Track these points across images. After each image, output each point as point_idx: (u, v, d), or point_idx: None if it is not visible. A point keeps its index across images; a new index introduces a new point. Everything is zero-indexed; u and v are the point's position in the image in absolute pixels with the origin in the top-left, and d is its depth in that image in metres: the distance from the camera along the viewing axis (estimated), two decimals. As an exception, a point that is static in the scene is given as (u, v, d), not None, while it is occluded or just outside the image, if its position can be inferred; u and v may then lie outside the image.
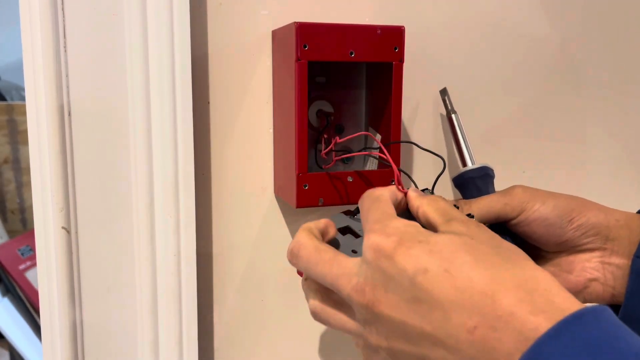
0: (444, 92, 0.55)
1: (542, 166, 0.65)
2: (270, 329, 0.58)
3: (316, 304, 0.38)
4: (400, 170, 0.43)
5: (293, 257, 0.38)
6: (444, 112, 0.56)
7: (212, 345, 0.56)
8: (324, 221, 0.42)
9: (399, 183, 0.41)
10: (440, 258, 0.31)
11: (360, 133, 0.53)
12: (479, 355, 0.28)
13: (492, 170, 0.51)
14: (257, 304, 0.57)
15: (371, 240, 0.33)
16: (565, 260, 0.46)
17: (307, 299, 0.39)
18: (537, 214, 0.45)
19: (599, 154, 0.68)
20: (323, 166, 0.50)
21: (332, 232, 0.41)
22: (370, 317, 0.33)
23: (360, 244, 0.39)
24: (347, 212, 0.47)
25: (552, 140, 0.65)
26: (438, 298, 0.29)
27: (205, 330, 0.56)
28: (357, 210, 0.47)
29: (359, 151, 0.53)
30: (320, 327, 0.60)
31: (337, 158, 0.50)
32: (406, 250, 0.32)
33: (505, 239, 0.41)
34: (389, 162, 0.44)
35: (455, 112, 0.54)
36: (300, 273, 0.43)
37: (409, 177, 0.46)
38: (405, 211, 0.42)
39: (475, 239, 0.32)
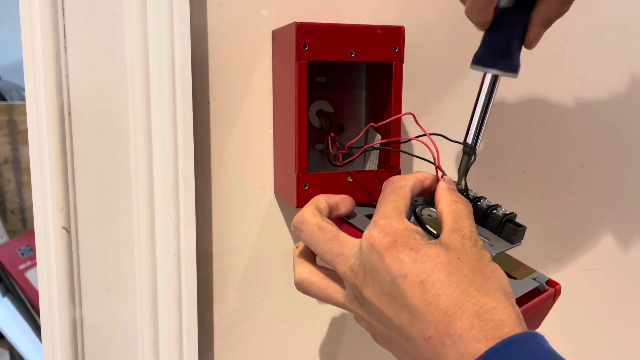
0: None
1: (542, 166, 0.65)
2: (270, 329, 0.58)
3: (304, 277, 0.42)
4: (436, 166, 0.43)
5: (296, 231, 0.41)
6: (444, 110, 0.55)
7: (212, 345, 0.56)
8: (338, 197, 0.45)
9: (439, 166, 0.43)
10: (420, 269, 0.34)
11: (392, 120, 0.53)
12: (431, 359, 0.33)
13: None
14: (257, 304, 0.57)
15: (371, 233, 0.37)
16: None
17: (295, 268, 0.43)
18: None
19: (598, 153, 0.68)
20: (337, 163, 0.50)
21: (343, 209, 0.45)
22: (359, 296, 0.37)
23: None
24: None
25: (552, 140, 0.65)
26: (409, 303, 0.34)
27: (205, 330, 0.56)
28: None
29: (381, 146, 0.51)
30: (320, 327, 0.60)
31: (361, 150, 0.50)
32: (396, 253, 0.35)
33: None
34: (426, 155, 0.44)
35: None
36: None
37: (443, 172, 0.45)
38: (430, 197, 0.43)
39: (462, 259, 0.35)
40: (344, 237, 0.39)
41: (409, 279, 0.34)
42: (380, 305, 0.35)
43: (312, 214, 0.41)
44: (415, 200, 0.46)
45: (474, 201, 0.44)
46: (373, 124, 0.50)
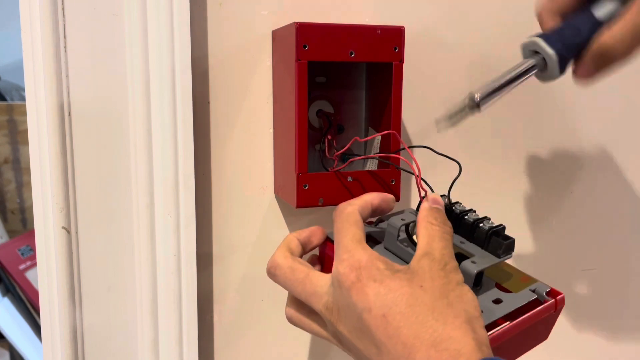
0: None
1: (543, 165, 0.65)
2: (270, 329, 0.58)
3: (292, 312, 0.43)
4: (422, 180, 0.43)
5: (270, 276, 0.43)
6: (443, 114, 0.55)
7: (212, 345, 0.56)
8: (309, 230, 0.45)
9: (420, 184, 0.43)
10: (382, 302, 0.35)
11: (384, 133, 0.53)
12: None
13: None
14: (257, 304, 0.57)
15: (338, 270, 0.38)
16: None
17: (286, 302, 0.44)
18: None
19: (598, 153, 0.68)
20: (329, 168, 0.50)
21: (315, 240, 0.45)
22: (335, 331, 0.39)
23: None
24: (369, 222, 0.48)
25: (553, 140, 0.65)
26: (374, 337, 0.35)
27: (205, 330, 0.56)
28: (379, 220, 0.48)
29: (374, 154, 0.52)
30: (320, 327, 0.60)
31: (346, 163, 0.50)
32: (360, 288, 0.36)
33: None
34: (395, 164, 0.44)
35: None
36: None
37: (428, 185, 0.45)
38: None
39: (426, 285, 0.35)
40: (315, 275, 0.40)
41: (373, 312, 0.35)
42: (352, 339, 0.37)
43: (284, 257, 0.42)
44: (412, 213, 0.45)
45: (461, 215, 0.44)
46: (358, 137, 0.50)
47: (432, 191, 0.43)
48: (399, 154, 0.49)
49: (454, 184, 0.46)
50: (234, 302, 0.56)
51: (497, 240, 0.41)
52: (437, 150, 0.48)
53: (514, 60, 0.64)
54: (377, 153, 0.52)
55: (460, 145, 0.60)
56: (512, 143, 0.64)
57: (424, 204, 0.41)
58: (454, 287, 0.36)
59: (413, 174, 0.43)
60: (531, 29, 0.62)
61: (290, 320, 0.44)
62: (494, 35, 0.61)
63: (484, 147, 0.62)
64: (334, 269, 0.38)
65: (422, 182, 0.43)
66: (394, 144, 0.50)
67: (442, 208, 0.42)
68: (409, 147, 0.45)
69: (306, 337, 0.60)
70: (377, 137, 0.52)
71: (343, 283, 0.37)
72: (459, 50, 0.60)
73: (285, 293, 0.58)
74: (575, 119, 0.66)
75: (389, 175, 0.50)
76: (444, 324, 0.34)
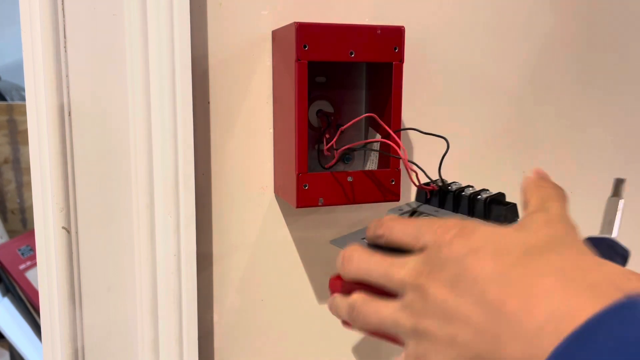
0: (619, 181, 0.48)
1: (542, 165, 0.65)
2: (270, 329, 0.58)
3: (356, 298, 0.37)
4: (412, 162, 0.42)
5: (345, 261, 0.38)
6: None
7: (212, 345, 0.56)
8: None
9: (407, 165, 0.42)
10: (493, 240, 0.31)
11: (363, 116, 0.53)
12: (507, 329, 0.27)
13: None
14: (257, 304, 0.57)
15: (433, 228, 0.33)
16: None
17: (340, 309, 0.39)
18: None
19: (598, 153, 0.68)
20: (326, 165, 0.50)
21: None
22: (420, 297, 0.32)
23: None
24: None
25: (552, 140, 0.65)
26: (477, 279, 0.30)
27: (205, 330, 0.56)
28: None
29: (363, 145, 0.53)
30: (320, 328, 0.60)
31: (340, 150, 0.49)
32: (465, 234, 0.32)
33: None
34: (391, 154, 0.44)
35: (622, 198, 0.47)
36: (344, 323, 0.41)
37: (421, 168, 0.44)
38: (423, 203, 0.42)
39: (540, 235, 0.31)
40: (394, 255, 0.36)
41: (480, 252, 0.30)
42: (447, 296, 0.31)
43: (360, 245, 0.38)
44: (408, 205, 0.45)
45: (457, 192, 0.42)
46: (341, 126, 0.49)
47: (423, 171, 0.42)
48: (398, 136, 0.49)
49: (443, 159, 0.45)
50: (234, 302, 0.56)
51: (497, 208, 0.40)
52: (423, 130, 0.47)
53: (514, 58, 0.64)
54: (375, 144, 0.52)
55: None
56: (512, 143, 0.64)
57: (529, 177, 0.38)
58: (579, 238, 0.31)
59: (400, 157, 0.43)
60: (530, 29, 0.62)
61: (354, 308, 0.37)
62: (494, 35, 0.61)
63: (484, 147, 0.62)
64: (425, 234, 0.34)
65: (410, 164, 0.42)
66: (382, 131, 0.49)
67: (548, 177, 0.38)
68: (398, 131, 0.45)
69: (306, 337, 0.60)
70: (377, 134, 0.52)
71: (441, 236, 0.32)
72: (459, 50, 0.60)
73: (285, 294, 0.58)
74: (576, 117, 0.66)
75: (389, 175, 0.50)
76: (584, 256, 0.29)
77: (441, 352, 0.31)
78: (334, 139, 0.49)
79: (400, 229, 0.36)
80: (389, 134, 0.48)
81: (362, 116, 0.49)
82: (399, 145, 0.43)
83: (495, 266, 0.29)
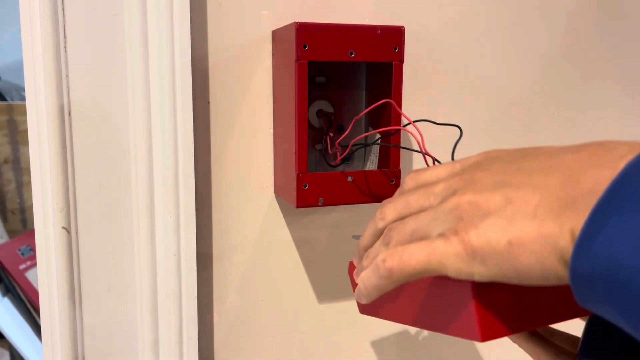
0: None
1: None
2: (270, 329, 0.58)
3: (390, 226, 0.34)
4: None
5: (384, 208, 0.35)
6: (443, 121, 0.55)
7: (212, 345, 0.56)
8: None
9: (426, 152, 0.42)
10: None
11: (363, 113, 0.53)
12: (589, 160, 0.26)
13: None
14: (257, 304, 0.57)
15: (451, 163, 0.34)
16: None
17: (374, 249, 0.35)
18: None
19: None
20: (332, 163, 0.50)
21: None
22: (466, 183, 0.30)
23: None
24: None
25: (554, 140, 0.65)
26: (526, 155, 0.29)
27: (205, 330, 0.56)
28: None
29: (372, 143, 0.52)
30: (320, 327, 0.60)
31: (352, 142, 0.50)
32: (489, 152, 0.32)
33: None
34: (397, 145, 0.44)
35: None
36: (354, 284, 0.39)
37: (433, 158, 0.44)
38: None
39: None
40: None
41: (511, 155, 0.30)
42: (502, 167, 0.29)
43: None
44: None
45: None
46: (342, 126, 0.50)
47: (439, 162, 0.42)
48: (399, 130, 0.49)
49: (456, 147, 0.46)
50: (234, 302, 0.56)
51: None
52: (436, 121, 0.48)
53: (514, 58, 0.64)
54: (376, 142, 0.52)
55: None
56: (511, 141, 0.64)
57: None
58: None
59: (415, 150, 0.43)
60: (529, 29, 0.62)
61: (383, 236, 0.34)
62: (494, 35, 0.61)
63: (484, 146, 0.62)
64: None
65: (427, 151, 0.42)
66: (394, 116, 0.49)
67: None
68: (407, 123, 0.45)
69: (306, 337, 0.60)
70: (377, 136, 0.52)
71: (468, 159, 0.32)
72: (459, 50, 0.60)
73: (285, 294, 0.58)
74: (577, 116, 0.66)
75: (389, 175, 0.50)
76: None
77: (524, 197, 0.26)
78: (349, 129, 0.48)
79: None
80: (396, 129, 0.48)
81: (379, 102, 0.48)
82: (419, 133, 0.43)
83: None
